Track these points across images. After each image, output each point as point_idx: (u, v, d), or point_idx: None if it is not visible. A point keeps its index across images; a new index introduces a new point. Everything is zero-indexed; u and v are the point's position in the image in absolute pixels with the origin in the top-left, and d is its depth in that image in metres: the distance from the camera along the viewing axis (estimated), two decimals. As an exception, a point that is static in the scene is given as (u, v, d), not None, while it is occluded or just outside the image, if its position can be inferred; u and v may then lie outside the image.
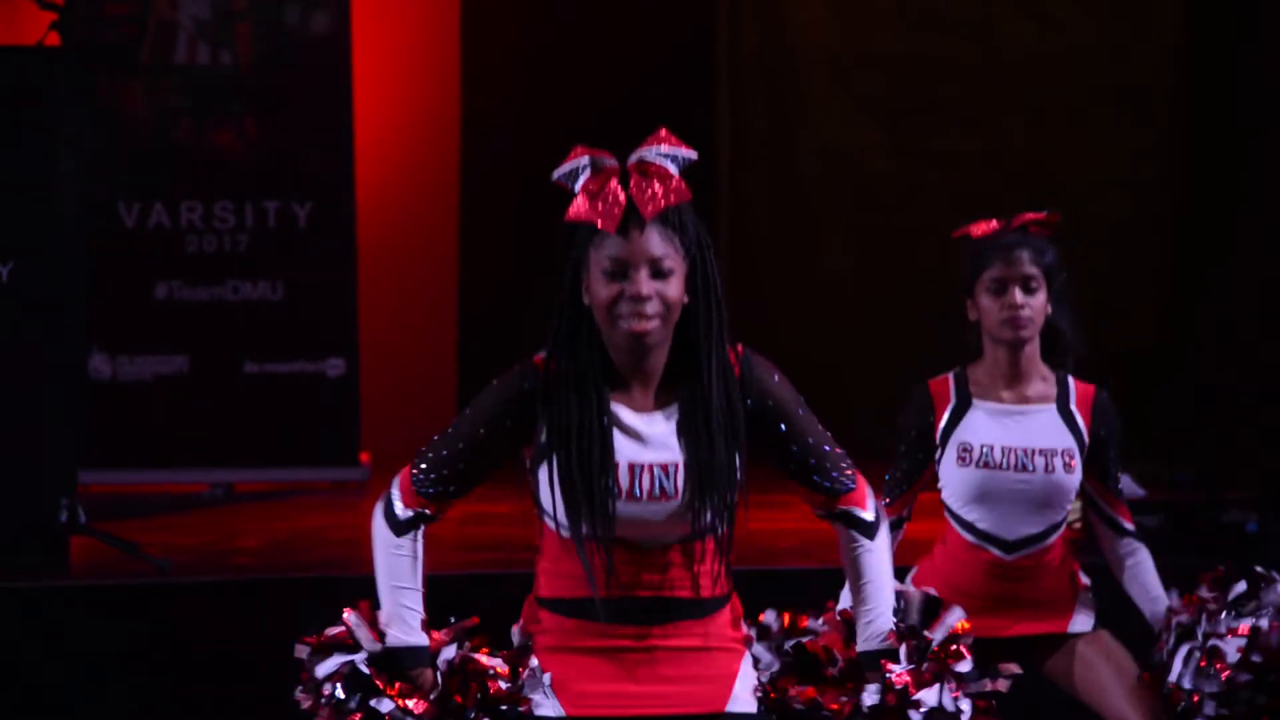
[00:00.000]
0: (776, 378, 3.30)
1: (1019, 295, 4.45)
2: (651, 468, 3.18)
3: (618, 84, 10.46)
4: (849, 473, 3.36)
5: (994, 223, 4.56)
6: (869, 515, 3.36)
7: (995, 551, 4.48)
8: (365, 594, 6.47)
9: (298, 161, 9.49)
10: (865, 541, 3.36)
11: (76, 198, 7.29)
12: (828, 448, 3.32)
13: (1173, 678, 4.35)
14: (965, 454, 4.47)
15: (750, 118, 10.62)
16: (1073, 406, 4.50)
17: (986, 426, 4.47)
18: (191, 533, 7.92)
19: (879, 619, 3.38)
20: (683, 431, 3.19)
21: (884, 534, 3.39)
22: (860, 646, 3.39)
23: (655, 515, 3.17)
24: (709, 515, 3.17)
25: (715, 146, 10.45)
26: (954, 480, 4.50)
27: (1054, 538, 4.50)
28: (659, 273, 3.17)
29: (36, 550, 6.83)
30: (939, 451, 4.52)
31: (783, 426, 3.28)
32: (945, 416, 4.51)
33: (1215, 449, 9.19)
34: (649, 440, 3.19)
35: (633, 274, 3.16)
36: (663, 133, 3.23)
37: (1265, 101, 9.99)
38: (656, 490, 3.17)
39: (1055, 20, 10.59)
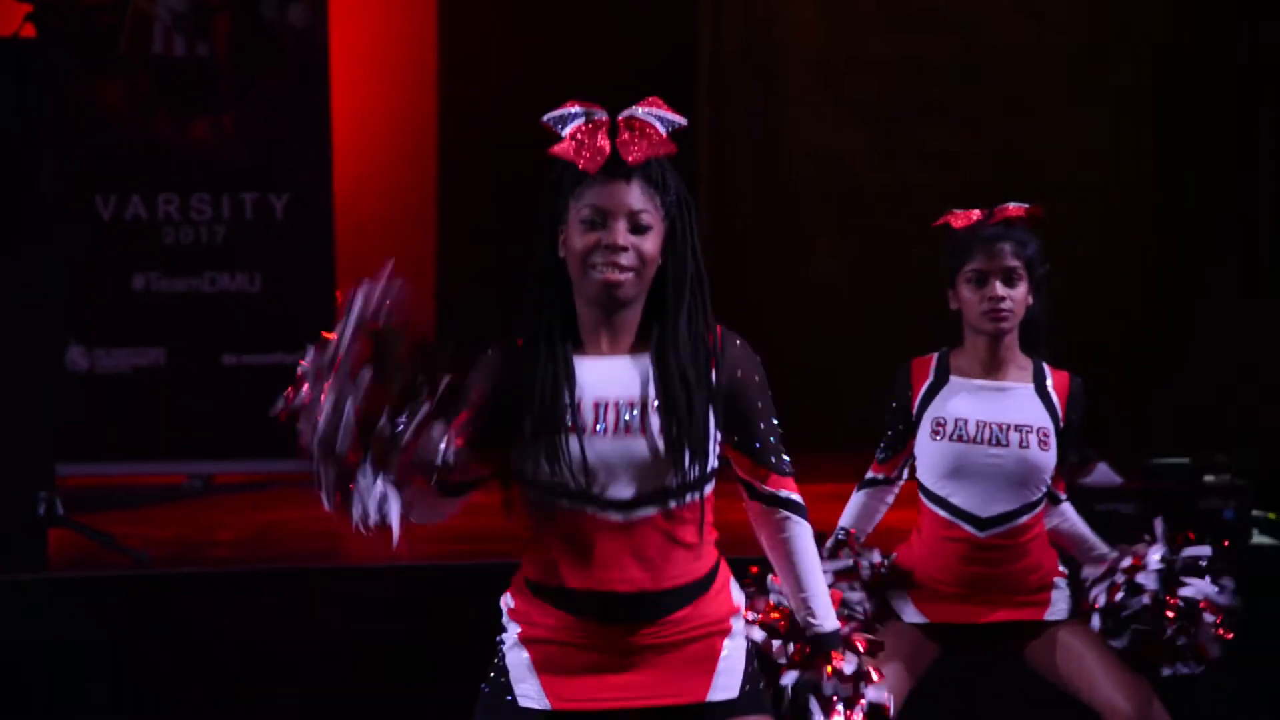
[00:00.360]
0: (750, 354, 3.31)
1: (1000, 288, 4.48)
2: (617, 403, 3.18)
3: (597, 76, 10.45)
4: (788, 460, 3.37)
5: (975, 213, 4.59)
6: (799, 499, 3.39)
7: (968, 529, 4.50)
8: (347, 585, 6.49)
9: (275, 153, 9.49)
10: (798, 518, 3.37)
11: (53, 190, 7.28)
12: (775, 439, 3.34)
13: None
14: (939, 428, 4.51)
15: (733, 118, 10.62)
16: (1049, 388, 4.54)
17: (962, 402, 4.51)
18: (170, 525, 7.92)
19: (823, 597, 3.39)
20: (652, 371, 3.20)
21: (809, 525, 3.40)
22: (821, 625, 3.39)
23: (624, 455, 3.17)
24: (682, 456, 3.17)
25: (695, 145, 10.47)
26: (928, 454, 4.53)
27: (1028, 517, 4.53)
28: (637, 227, 3.20)
29: (14, 543, 6.82)
30: (915, 427, 4.55)
31: (744, 405, 3.29)
32: (922, 391, 4.54)
33: (1198, 439, 9.23)
34: (615, 379, 3.20)
35: (611, 224, 3.19)
36: (653, 98, 3.28)
37: (1264, 99, 10.01)
38: (621, 425, 3.18)
39: (1047, 18, 10.61)
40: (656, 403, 3.19)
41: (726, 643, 3.28)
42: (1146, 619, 4.49)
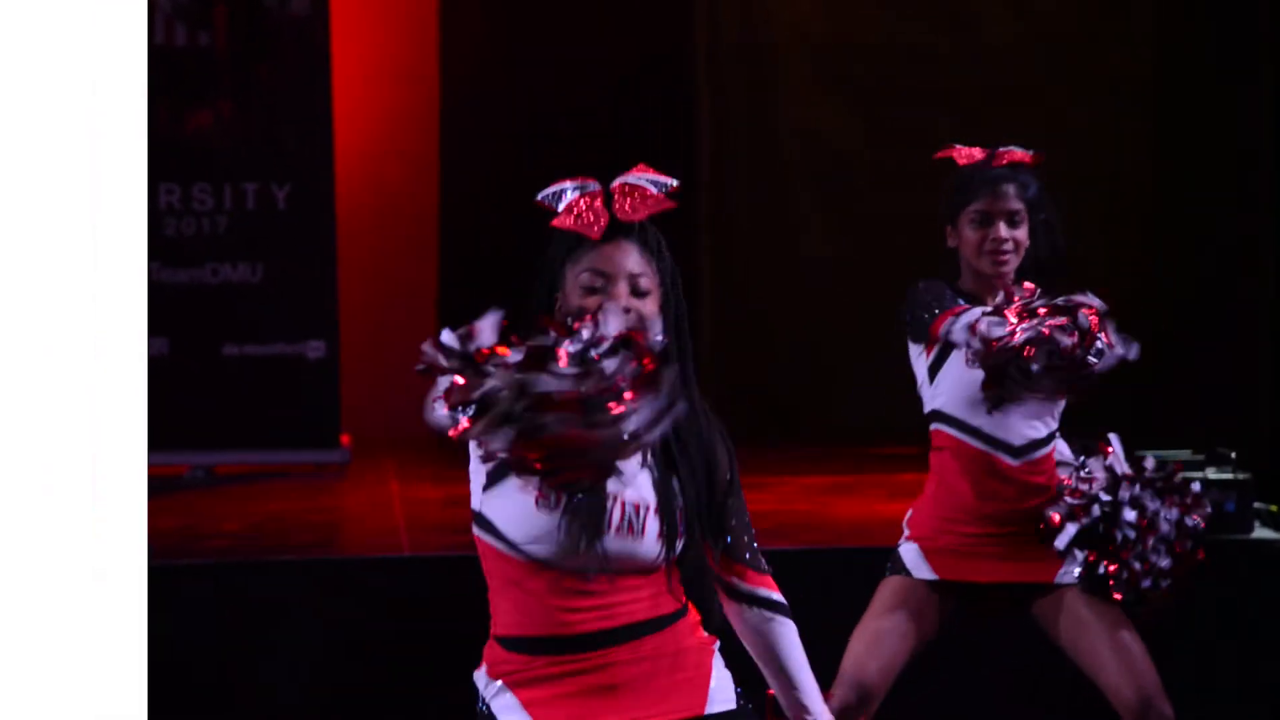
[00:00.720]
0: (720, 436, 3.28)
1: (1004, 230, 4.51)
2: (623, 504, 3.14)
3: (597, 63, 10.45)
4: (761, 555, 3.35)
5: (978, 152, 4.61)
6: (781, 599, 3.33)
7: (1004, 457, 4.48)
8: (346, 577, 6.49)
9: (276, 143, 9.48)
10: (783, 618, 3.32)
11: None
12: (748, 537, 3.32)
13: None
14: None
15: (730, 103, 10.62)
16: None
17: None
18: (172, 515, 7.92)
19: (815, 697, 3.36)
20: (654, 469, 3.15)
21: (793, 624, 3.37)
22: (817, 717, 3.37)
23: (627, 553, 3.13)
24: (670, 548, 3.15)
25: (695, 133, 10.46)
26: (962, 382, 4.46)
27: (1049, 448, 4.54)
28: (637, 290, 3.15)
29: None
30: (942, 359, 4.51)
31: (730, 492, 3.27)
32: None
33: (1200, 432, 9.24)
34: (623, 475, 3.07)
35: (612, 287, 3.14)
36: (641, 165, 3.25)
37: (1265, 94, 10.01)
38: (625, 527, 3.16)
39: (1047, 11, 10.61)
40: (667, 504, 3.15)
41: (715, 661, 3.26)
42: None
